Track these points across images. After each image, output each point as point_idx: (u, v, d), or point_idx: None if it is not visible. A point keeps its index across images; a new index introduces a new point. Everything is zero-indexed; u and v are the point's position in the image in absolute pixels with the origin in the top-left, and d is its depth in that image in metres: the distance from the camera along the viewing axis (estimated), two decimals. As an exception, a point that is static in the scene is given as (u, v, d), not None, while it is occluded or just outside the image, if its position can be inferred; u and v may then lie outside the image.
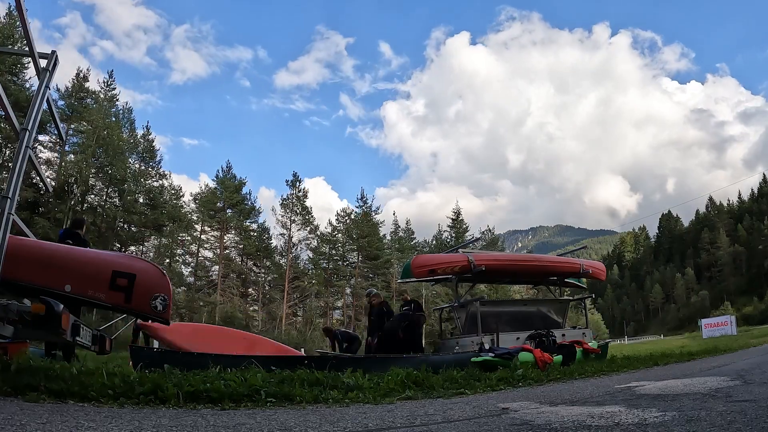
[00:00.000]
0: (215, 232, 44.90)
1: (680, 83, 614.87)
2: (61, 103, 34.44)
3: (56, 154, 34.17)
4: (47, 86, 4.11)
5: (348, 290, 51.44)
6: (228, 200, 45.32)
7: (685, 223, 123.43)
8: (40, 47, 4.29)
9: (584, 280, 13.40)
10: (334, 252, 51.35)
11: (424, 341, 11.72)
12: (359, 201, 54.21)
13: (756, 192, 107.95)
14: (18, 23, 26.40)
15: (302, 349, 35.33)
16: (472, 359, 7.88)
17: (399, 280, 30.83)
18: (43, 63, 4.22)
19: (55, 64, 4.18)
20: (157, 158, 40.27)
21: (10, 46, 27.87)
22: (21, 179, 3.79)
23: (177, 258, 42.73)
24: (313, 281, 48.56)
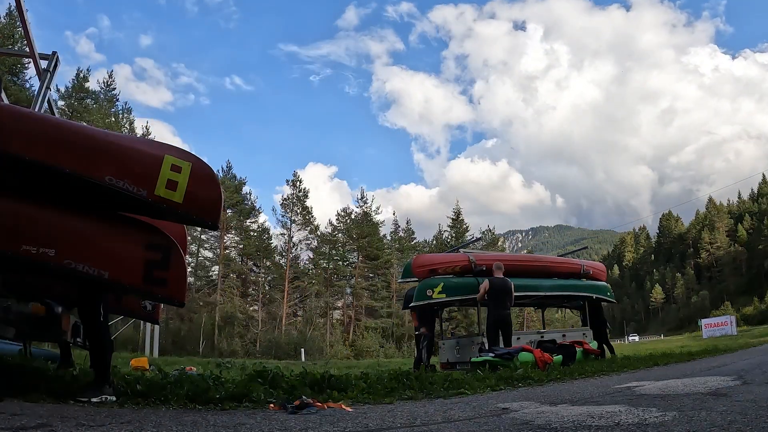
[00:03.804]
0: (215, 232, 44.93)
1: (708, 59, 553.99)
2: (61, 103, 34.47)
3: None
4: (48, 87, 4.12)
5: (348, 290, 51.46)
6: (228, 200, 45.36)
7: (686, 223, 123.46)
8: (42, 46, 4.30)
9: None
10: (334, 252, 51.37)
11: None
12: (359, 201, 54.27)
13: (756, 192, 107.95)
14: (18, 23, 26.41)
15: (302, 350, 35.44)
16: (472, 359, 7.89)
17: (399, 280, 30.88)
18: (43, 64, 4.23)
19: (55, 65, 4.19)
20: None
21: (9, 47, 27.89)
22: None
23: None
24: (313, 281, 48.59)
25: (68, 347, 4.97)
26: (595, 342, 10.54)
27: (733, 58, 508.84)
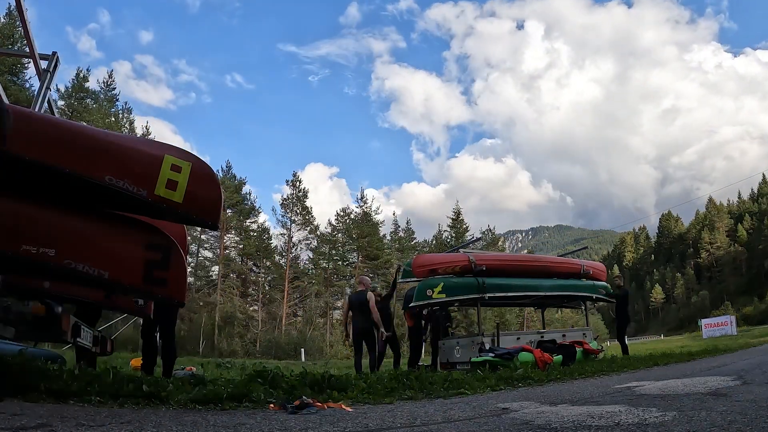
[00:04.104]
0: (215, 232, 44.88)
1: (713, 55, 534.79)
2: (61, 103, 34.46)
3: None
4: (48, 87, 4.11)
5: (348, 290, 51.45)
6: (228, 200, 45.32)
7: (686, 223, 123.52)
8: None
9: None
10: (334, 252, 51.37)
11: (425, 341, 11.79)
12: (359, 201, 54.28)
13: (756, 192, 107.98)
14: (18, 23, 26.38)
15: (302, 350, 35.40)
16: (472, 359, 7.89)
17: (399, 280, 30.77)
18: (43, 64, 4.22)
19: (56, 66, 4.19)
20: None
21: (9, 47, 27.87)
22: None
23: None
24: (313, 281, 48.60)
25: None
26: (595, 342, 10.55)
27: (735, 56, 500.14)
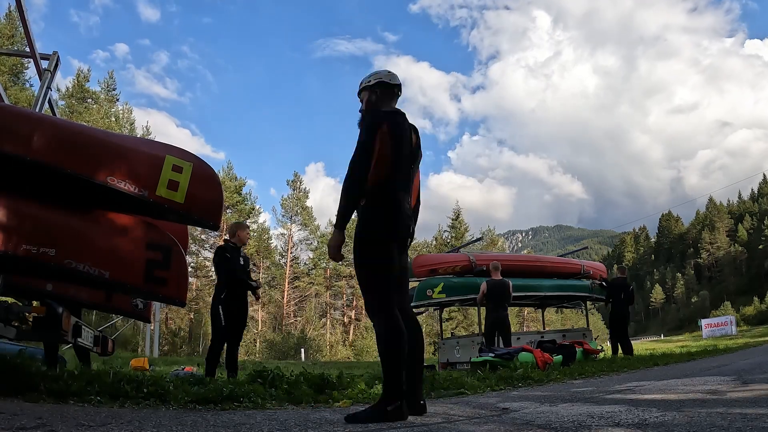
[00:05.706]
0: (215, 233, 44.87)
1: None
2: (61, 103, 34.47)
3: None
4: (49, 87, 4.11)
5: (348, 290, 51.46)
6: (228, 200, 45.31)
7: (686, 223, 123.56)
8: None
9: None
10: (334, 252, 51.37)
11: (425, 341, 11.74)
12: (359, 201, 54.26)
13: (756, 192, 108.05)
14: (19, 23, 26.36)
15: (302, 350, 35.38)
16: (472, 359, 7.89)
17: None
18: (44, 64, 4.22)
19: (56, 65, 4.19)
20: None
21: (10, 47, 27.87)
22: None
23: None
24: (313, 281, 48.62)
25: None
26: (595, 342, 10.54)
27: (743, 45, 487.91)
